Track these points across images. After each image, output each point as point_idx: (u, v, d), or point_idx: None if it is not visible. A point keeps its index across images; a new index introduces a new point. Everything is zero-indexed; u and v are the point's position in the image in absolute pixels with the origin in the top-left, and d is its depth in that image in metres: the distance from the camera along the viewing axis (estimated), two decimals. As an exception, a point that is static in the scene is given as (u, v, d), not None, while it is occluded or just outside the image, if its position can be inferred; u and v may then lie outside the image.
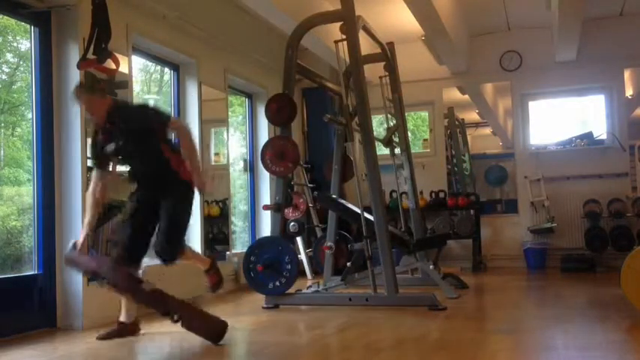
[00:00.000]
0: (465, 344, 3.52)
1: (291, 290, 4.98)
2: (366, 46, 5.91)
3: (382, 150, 6.13)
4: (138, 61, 5.59)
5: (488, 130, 10.01)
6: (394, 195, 7.55)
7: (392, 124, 6.28)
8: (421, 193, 7.33)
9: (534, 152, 8.19)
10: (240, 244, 6.99)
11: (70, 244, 3.73)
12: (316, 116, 7.65)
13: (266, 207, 5.22)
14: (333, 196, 5.77)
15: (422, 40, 7.72)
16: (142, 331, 3.88)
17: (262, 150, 5.07)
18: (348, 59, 4.97)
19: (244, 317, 4.71)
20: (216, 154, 6.37)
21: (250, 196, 7.29)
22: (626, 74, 8.17)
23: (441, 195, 8.01)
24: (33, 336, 3.95)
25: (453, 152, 8.73)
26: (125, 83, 4.76)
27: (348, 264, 5.31)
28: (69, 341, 3.85)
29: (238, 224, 7.22)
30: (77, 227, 4.03)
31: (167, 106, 6.00)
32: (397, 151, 6.31)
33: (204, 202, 5.84)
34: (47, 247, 4.24)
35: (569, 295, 5.61)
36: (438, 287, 5.28)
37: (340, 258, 5.88)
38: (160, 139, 3.73)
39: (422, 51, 8.03)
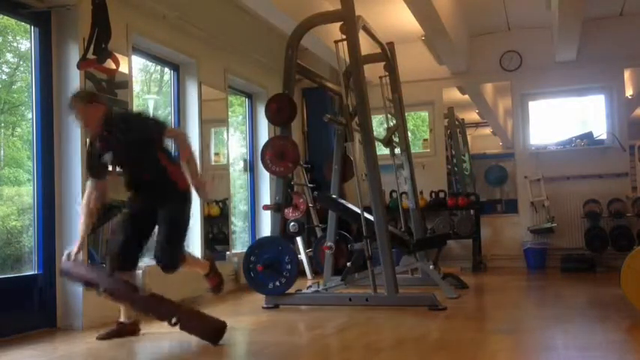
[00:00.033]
0: (465, 344, 3.52)
1: (291, 290, 4.98)
2: (366, 46, 5.91)
3: (382, 150, 6.13)
4: (138, 61, 5.59)
5: (488, 130, 10.02)
6: (394, 195, 7.55)
7: (392, 124, 6.28)
8: (421, 193, 7.33)
9: (534, 152, 8.19)
10: (240, 244, 6.99)
11: (64, 255, 3.73)
12: (316, 116, 7.64)
13: (266, 207, 5.22)
14: (333, 196, 5.77)
15: (422, 40, 7.72)
16: (141, 331, 3.88)
17: (262, 150, 5.07)
18: (348, 59, 4.97)
19: (244, 317, 4.71)
20: (216, 154, 6.37)
21: (250, 196, 7.29)
22: (626, 74, 8.17)
23: (441, 195, 8.01)
24: (33, 336, 3.95)
25: (453, 152, 8.73)
26: (125, 83, 4.76)
27: (348, 264, 5.31)
28: (69, 341, 3.85)
29: (238, 224, 7.22)
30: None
31: (167, 106, 6.01)
32: (397, 151, 6.31)
33: (205, 202, 5.83)
34: (47, 247, 4.24)
35: (569, 295, 5.61)
36: (438, 287, 5.28)
37: (340, 258, 5.88)
38: (158, 147, 3.73)
39: (422, 51, 8.03)
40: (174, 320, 3.46)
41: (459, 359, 3.22)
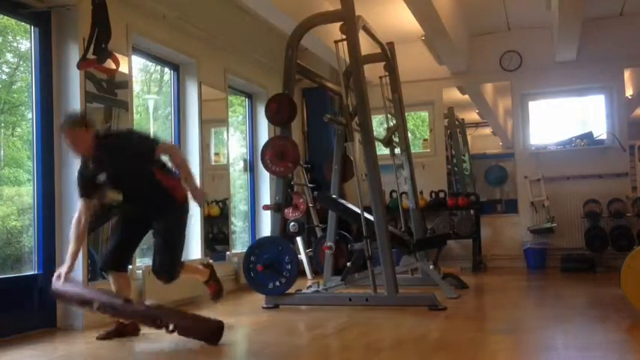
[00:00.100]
0: (465, 344, 3.52)
1: (291, 290, 4.98)
2: (366, 46, 5.91)
3: (382, 150, 6.13)
4: (138, 61, 5.59)
5: (488, 130, 10.01)
6: (394, 195, 7.55)
7: (392, 124, 6.28)
8: (421, 193, 7.33)
9: (534, 152, 8.19)
10: (240, 244, 6.99)
11: (55, 276, 3.72)
12: (316, 116, 7.64)
13: (266, 207, 5.22)
14: (333, 196, 5.77)
15: (422, 40, 7.72)
16: (141, 331, 3.88)
17: (262, 150, 5.07)
18: (348, 59, 4.97)
19: (244, 317, 4.71)
20: (216, 154, 6.37)
21: (250, 196, 7.29)
22: (626, 74, 8.17)
23: (441, 195, 8.00)
24: (33, 336, 3.95)
25: (453, 152, 8.73)
26: (125, 83, 4.76)
27: (348, 264, 5.31)
28: (69, 341, 3.85)
29: (238, 224, 7.22)
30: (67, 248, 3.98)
31: (167, 106, 6.00)
32: (397, 151, 6.31)
33: (204, 202, 5.83)
34: (47, 247, 4.24)
35: (569, 295, 5.61)
36: (438, 287, 5.28)
37: (340, 258, 5.88)
38: (151, 163, 3.72)
39: (422, 51, 8.03)
40: (171, 327, 3.50)
41: (458, 359, 3.22)
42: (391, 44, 6.26)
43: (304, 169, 7.49)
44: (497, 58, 8.24)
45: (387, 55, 6.19)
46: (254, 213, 7.27)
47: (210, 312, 4.07)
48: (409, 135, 6.81)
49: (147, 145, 3.71)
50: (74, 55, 4.30)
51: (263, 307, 4.94)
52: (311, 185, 7.28)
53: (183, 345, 3.54)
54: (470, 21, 7.84)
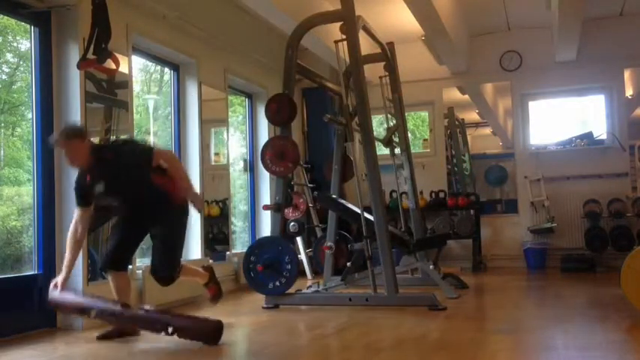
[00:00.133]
0: (465, 344, 3.53)
1: (291, 290, 4.98)
2: (366, 46, 5.91)
3: (382, 150, 6.13)
4: (138, 61, 5.59)
5: (488, 130, 10.02)
6: (394, 195, 7.55)
7: (392, 124, 6.28)
8: (421, 193, 7.33)
9: (534, 152, 8.19)
10: (240, 244, 6.99)
11: (51, 286, 3.73)
12: (316, 116, 7.64)
13: (266, 207, 5.22)
14: (333, 196, 5.77)
15: (422, 40, 7.72)
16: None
17: (262, 150, 5.07)
18: (348, 59, 4.97)
19: (244, 317, 4.71)
20: (216, 154, 6.37)
21: (250, 196, 7.29)
22: (626, 74, 8.17)
23: (441, 195, 8.01)
24: (33, 336, 3.95)
25: (453, 152, 8.73)
26: (125, 83, 4.76)
27: (348, 264, 5.31)
28: (69, 341, 3.85)
29: (238, 224, 7.22)
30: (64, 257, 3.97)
31: (167, 106, 6.00)
32: (397, 151, 6.31)
33: (204, 202, 5.83)
34: (47, 247, 4.24)
35: (569, 295, 5.61)
36: (438, 287, 5.28)
37: (340, 258, 5.88)
38: (148, 169, 3.71)
39: (422, 51, 8.03)
40: (170, 330, 3.51)
41: (458, 359, 3.22)
42: (391, 44, 6.26)
43: (304, 169, 7.49)
44: (497, 58, 8.24)
45: (387, 55, 6.19)
46: (254, 213, 7.27)
47: (211, 312, 4.07)
48: (409, 135, 6.81)
49: (143, 156, 3.70)
50: (74, 55, 4.30)
51: (263, 307, 4.94)
52: (311, 185, 7.28)
53: (183, 345, 3.54)
54: (470, 21, 7.84)
